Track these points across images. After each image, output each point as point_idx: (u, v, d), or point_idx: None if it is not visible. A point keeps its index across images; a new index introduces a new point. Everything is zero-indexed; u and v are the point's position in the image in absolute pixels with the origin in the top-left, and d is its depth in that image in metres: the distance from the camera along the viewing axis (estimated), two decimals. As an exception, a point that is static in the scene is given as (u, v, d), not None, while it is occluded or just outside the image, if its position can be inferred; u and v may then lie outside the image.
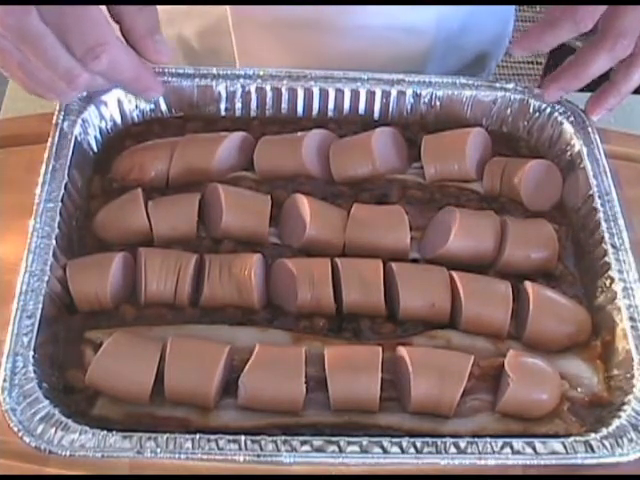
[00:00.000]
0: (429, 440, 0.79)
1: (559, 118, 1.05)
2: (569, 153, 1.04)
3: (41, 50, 0.82)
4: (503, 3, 1.33)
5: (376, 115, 1.08)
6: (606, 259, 0.93)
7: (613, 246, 0.93)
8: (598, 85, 1.03)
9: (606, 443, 0.80)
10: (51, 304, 0.87)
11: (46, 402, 0.80)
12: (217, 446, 0.78)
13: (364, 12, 1.12)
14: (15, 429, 0.78)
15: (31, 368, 0.82)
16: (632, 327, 0.87)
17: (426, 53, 1.19)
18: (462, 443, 0.79)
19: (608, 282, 0.92)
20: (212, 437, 0.78)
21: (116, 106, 1.04)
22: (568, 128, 1.04)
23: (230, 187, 0.97)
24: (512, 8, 1.35)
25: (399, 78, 1.07)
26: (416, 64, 1.13)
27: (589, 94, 1.21)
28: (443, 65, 1.17)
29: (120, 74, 0.89)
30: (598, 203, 0.97)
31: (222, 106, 1.07)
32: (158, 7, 1.14)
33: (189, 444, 0.78)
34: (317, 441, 0.79)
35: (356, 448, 0.78)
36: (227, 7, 1.11)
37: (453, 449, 0.79)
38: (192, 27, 1.17)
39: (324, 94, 1.07)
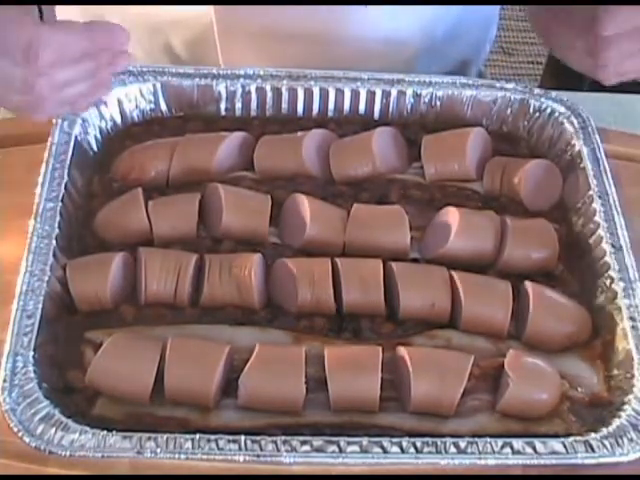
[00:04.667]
0: (429, 440, 0.79)
1: (559, 118, 1.05)
2: (569, 153, 1.04)
3: None
4: (500, 3, 1.33)
5: (376, 115, 1.08)
6: (606, 259, 0.93)
7: (613, 246, 0.93)
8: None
9: (606, 443, 0.80)
10: (51, 304, 0.87)
11: (46, 402, 0.80)
12: (217, 446, 0.77)
13: (351, 23, 1.12)
14: (15, 429, 0.78)
15: (31, 368, 0.82)
16: (632, 327, 0.87)
17: (410, 62, 1.19)
18: (462, 443, 0.79)
19: (608, 282, 0.92)
20: (212, 437, 0.78)
21: (116, 106, 1.04)
22: (568, 128, 1.04)
23: (230, 187, 0.97)
24: (495, 13, 1.34)
25: (399, 78, 1.07)
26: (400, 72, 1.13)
27: (589, 94, 1.21)
28: (426, 72, 1.17)
29: (73, 54, 0.82)
30: (598, 203, 0.97)
31: (222, 106, 1.07)
32: (145, 15, 1.14)
33: (189, 444, 0.78)
34: (317, 441, 0.79)
35: (356, 448, 0.78)
36: (213, 17, 1.11)
37: (453, 449, 0.79)
38: (179, 37, 1.17)
39: (324, 94, 1.07)
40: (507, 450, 0.79)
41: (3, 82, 0.81)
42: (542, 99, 1.07)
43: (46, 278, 0.87)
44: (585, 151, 1.02)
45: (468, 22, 1.23)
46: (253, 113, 1.08)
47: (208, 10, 1.11)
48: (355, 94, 1.07)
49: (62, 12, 1.27)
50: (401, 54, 1.18)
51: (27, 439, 0.77)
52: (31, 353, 0.82)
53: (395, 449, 0.78)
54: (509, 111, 1.08)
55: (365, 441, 0.79)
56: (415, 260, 0.96)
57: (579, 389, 0.87)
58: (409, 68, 1.18)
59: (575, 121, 1.05)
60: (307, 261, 0.92)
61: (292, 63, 1.09)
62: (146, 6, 1.14)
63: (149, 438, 0.78)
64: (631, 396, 0.84)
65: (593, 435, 0.81)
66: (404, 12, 1.13)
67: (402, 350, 0.85)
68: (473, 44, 1.30)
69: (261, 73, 1.07)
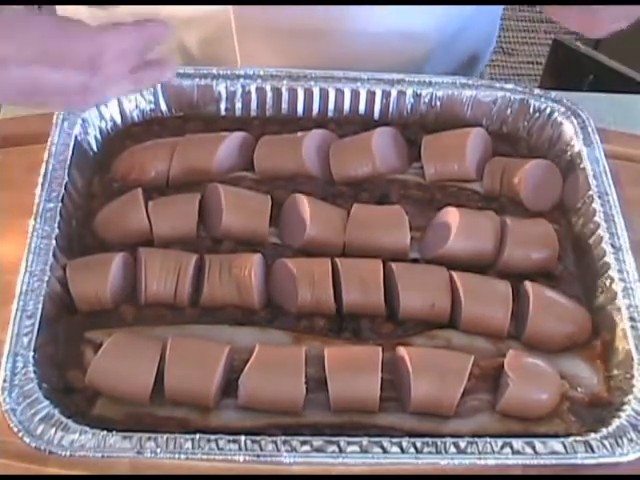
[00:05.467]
0: (429, 440, 0.79)
1: (559, 118, 1.05)
2: (569, 153, 1.04)
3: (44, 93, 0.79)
4: (502, 3, 1.33)
5: (376, 115, 1.08)
6: (606, 259, 0.93)
7: (613, 246, 0.93)
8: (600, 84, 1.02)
9: (606, 443, 0.80)
10: (51, 304, 0.87)
11: (46, 402, 0.80)
12: (217, 446, 0.78)
13: (367, 18, 1.12)
14: (15, 429, 0.78)
15: (31, 368, 0.82)
16: (632, 327, 0.87)
17: (424, 58, 1.19)
18: (462, 443, 0.79)
19: (608, 282, 0.92)
20: (212, 437, 0.78)
21: (116, 106, 1.04)
22: (568, 128, 1.04)
23: (230, 187, 0.97)
24: (500, 8, 1.35)
25: (399, 78, 1.07)
26: (414, 69, 1.13)
27: (589, 94, 1.21)
28: (437, 69, 1.17)
29: (133, 57, 0.82)
30: (598, 203, 0.97)
31: (222, 106, 1.07)
32: (158, 15, 1.14)
33: (189, 444, 0.78)
34: (317, 441, 0.79)
35: (356, 448, 0.78)
36: (231, 14, 1.11)
37: (453, 449, 0.79)
38: (193, 35, 1.17)
39: (324, 94, 1.07)
40: (507, 450, 0.79)
41: (62, 89, 0.81)
42: (542, 99, 1.07)
43: (46, 278, 0.87)
44: (585, 151, 1.01)
45: (477, 16, 1.23)
46: (253, 113, 1.08)
47: (225, 8, 1.11)
48: (355, 94, 1.07)
49: (70, 12, 1.27)
50: (416, 49, 1.18)
51: (27, 439, 0.77)
52: (31, 353, 0.82)
53: (395, 449, 0.78)
54: (509, 111, 1.08)
55: (365, 441, 0.79)
56: (415, 260, 0.96)
57: (579, 389, 0.87)
58: (424, 64, 1.18)
59: (575, 121, 1.05)
60: (307, 261, 0.92)
61: (310, 60, 1.09)
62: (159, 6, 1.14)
63: (149, 438, 0.78)
64: (631, 396, 0.84)
65: (593, 435, 0.81)
66: (418, 8, 1.13)
67: (402, 350, 0.85)
68: (482, 39, 1.30)
69: (261, 73, 1.07)
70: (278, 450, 0.78)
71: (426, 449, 0.78)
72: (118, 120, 1.05)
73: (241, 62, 1.17)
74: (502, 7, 1.35)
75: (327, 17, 1.11)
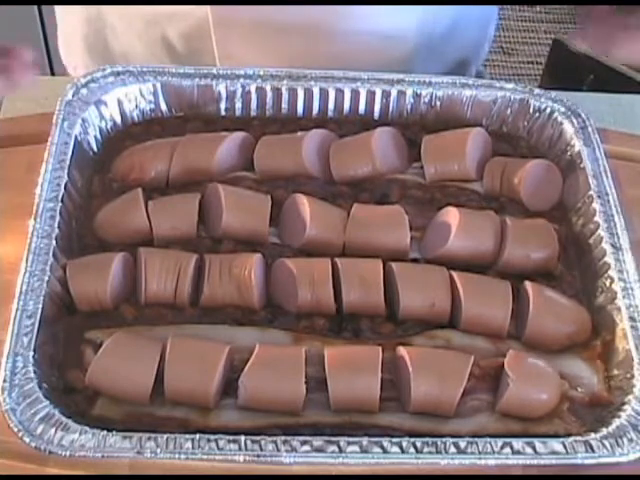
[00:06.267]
0: (429, 440, 0.79)
1: (559, 118, 1.05)
2: (569, 153, 1.04)
3: None
4: (497, 3, 1.33)
5: (376, 115, 1.08)
6: (606, 259, 0.93)
7: (613, 246, 0.93)
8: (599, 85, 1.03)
9: (606, 443, 0.80)
10: (51, 304, 0.87)
11: (46, 402, 0.80)
12: (217, 446, 0.78)
13: (348, 17, 1.12)
14: (15, 429, 0.78)
15: (31, 368, 0.82)
16: (632, 327, 0.87)
17: (408, 59, 1.19)
18: (462, 443, 0.79)
19: (608, 282, 0.92)
20: (212, 437, 0.78)
21: (116, 106, 1.04)
22: (568, 128, 1.04)
23: (230, 187, 0.97)
24: (494, 12, 1.34)
25: (399, 78, 1.07)
26: (398, 70, 1.13)
27: (588, 94, 1.21)
28: (425, 71, 1.17)
29: None
30: (598, 203, 0.97)
31: (222, 106, 1.07)
32: (142, 9, 1.15)
33: (189, 444, 0.78)
34: (317, 441, 0.79)
35: (356, 448, 0.78)
36: (208, 10, 1.11)
37: (453, 449, 0.79)
38: (175, 29, 1.17)
39: (324, 94, 1.07)
40: (507, 450, 0.79)
41: None
42: (542, 99, 1.07)
43: (46, 278, 0.87)
44: (585, 151, 1.01)
45: (466, 20, 1.23)
46: (253, 113, 1.08)
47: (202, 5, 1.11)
48: (355, 94, 1.07)
49: (63, 6, 1.28)
50: (399, 50, 1.18)
51: (27, 439, 0.77)
52: (31, 353, 0.82)
53: (395, 449, 0.78)
54: (509, 111, 1.08)
55: (365, 441, 0.79)
56: (415, 260, 0.96)
57: (579, 389, 0.87)
58: (407, 65, 1.18)
59: (575, 121, 1.05)
60: (307, 261, 0.92)
61: (287, 57, 1.09)
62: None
63: (149, 438, 0.78)
64: (631, 396, 0.84)
65: (593, 435, 0.81)
66: (397, 9, 1.13)
67: (402, 350, 0.85)
68: (472, 43, 1.30)
69: (261, 73, 1.07)
70: (278, 450, 0.78)
71: (426, 449, 0.78)
72: (118, 120, 1.05)
73: (219, 59, 1.17)
74: (495, 16, 1.35)
75: (307, 15, 1.11)
